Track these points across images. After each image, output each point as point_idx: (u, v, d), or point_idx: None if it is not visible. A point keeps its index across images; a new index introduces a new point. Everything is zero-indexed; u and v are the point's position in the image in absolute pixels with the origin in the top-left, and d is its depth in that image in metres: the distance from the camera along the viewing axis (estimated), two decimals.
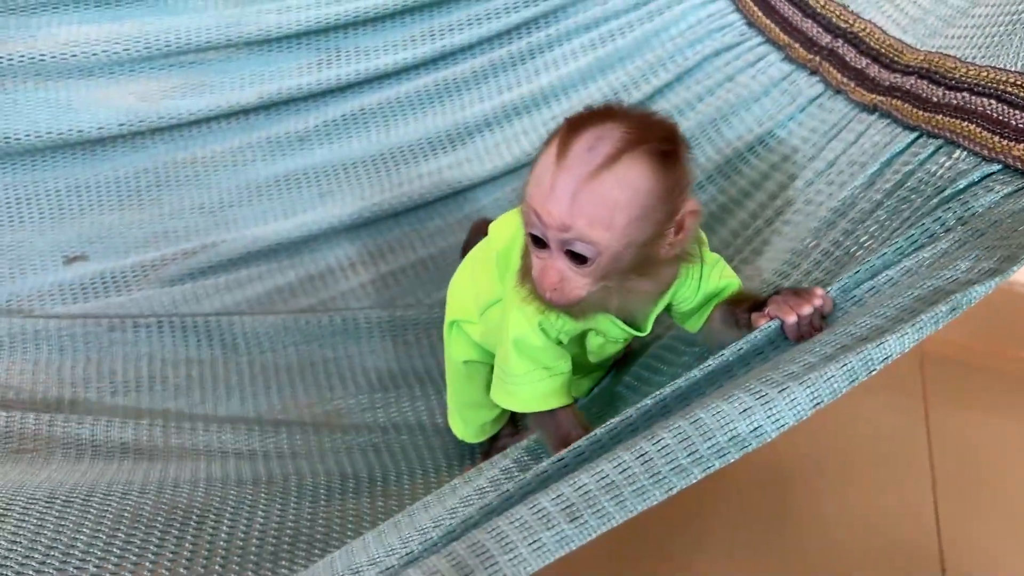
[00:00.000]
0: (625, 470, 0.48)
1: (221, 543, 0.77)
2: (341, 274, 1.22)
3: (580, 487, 0.48)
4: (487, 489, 0.64)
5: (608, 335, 0.74)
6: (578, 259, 0.60)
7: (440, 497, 0.67)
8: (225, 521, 0.79)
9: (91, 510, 0.75)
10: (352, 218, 1.21)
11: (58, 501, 0.75)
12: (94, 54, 1.13)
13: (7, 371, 0.99)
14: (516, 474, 0.67)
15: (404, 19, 1.22)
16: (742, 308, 0.67)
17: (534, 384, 0.72)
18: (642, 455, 0.49)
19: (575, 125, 0.59)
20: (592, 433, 0.58)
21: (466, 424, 0.90)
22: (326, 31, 1.20)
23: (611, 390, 0.86)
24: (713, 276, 0.70)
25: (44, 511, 0.73)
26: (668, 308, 0.73)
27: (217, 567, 0.74)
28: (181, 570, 0.73)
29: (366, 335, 1.12)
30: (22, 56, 1.10)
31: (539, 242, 0.61)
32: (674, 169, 0.60)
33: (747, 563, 1.00)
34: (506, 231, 0.75)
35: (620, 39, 1.15)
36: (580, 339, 0.76)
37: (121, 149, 1.19)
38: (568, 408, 0.73)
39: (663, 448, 0.48)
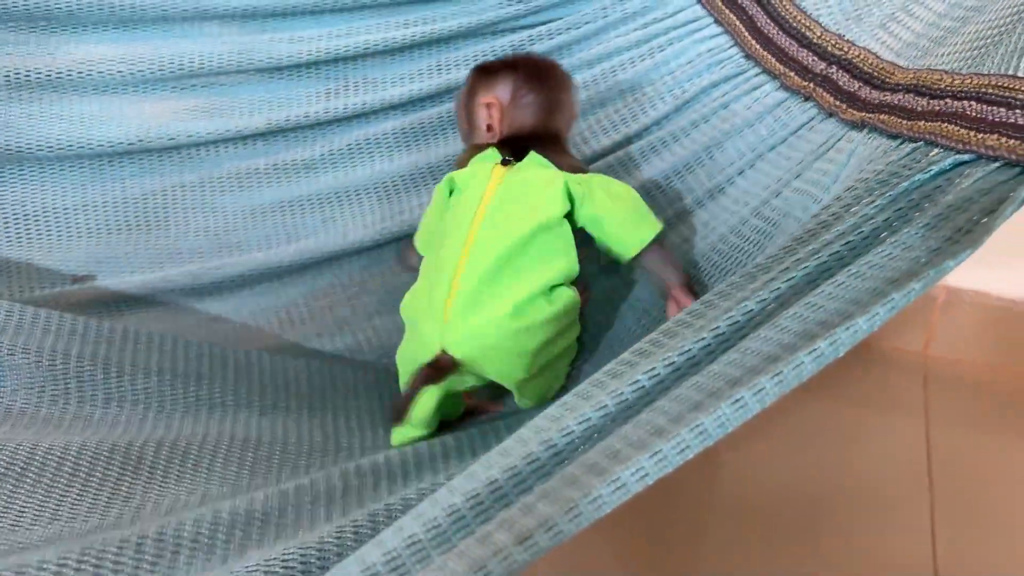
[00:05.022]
0: None
1: None
2: (345, 298, 1.22)
3: None
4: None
5: None
6: None
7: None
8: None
9: None
10: (354, 244, 1.21)
11: None
12: (109, 73, 1.15)
13: None
14: None
15: (413, 53, 1.24)
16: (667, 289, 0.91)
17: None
18: None
19: None
20: None
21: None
22: (335, 61, 1.22)
23: None
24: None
25: None
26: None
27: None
28: None
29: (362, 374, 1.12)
30: (39, 72, 1.13)
31: None
32: None
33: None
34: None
35: (621, 74, 1.15)
36: None
37: (130, 169, 1.21)
38: None
39: None
